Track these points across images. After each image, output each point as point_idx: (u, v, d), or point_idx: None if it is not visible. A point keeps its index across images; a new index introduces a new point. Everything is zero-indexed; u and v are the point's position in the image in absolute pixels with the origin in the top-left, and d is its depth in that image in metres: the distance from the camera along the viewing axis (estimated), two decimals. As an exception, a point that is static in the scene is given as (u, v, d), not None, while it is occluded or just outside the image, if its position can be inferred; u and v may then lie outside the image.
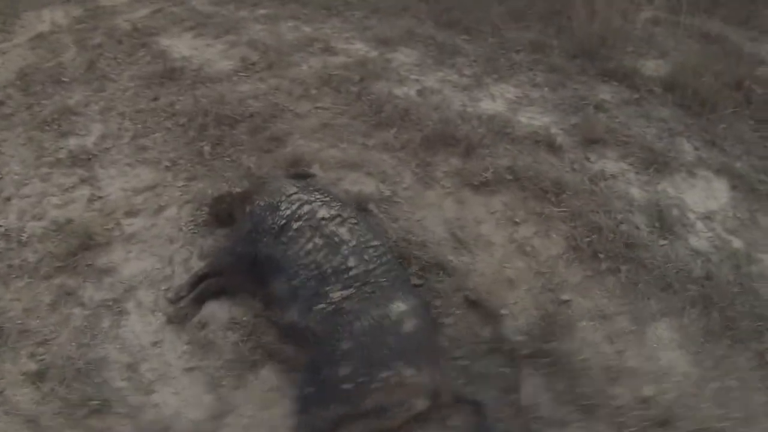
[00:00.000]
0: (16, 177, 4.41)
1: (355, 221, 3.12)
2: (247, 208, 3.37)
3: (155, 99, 4.99)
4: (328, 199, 3.25)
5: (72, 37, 6.54)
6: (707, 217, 3.60)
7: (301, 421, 2.58)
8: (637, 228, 3.48)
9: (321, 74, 5.01)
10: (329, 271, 2.88)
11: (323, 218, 3.09)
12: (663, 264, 3.28)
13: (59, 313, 3.37)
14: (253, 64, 5.33)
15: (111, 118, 4.85)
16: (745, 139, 4.15)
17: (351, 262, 2.88)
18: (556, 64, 4.99)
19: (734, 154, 4.01)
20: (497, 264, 3.34)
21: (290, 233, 3.08)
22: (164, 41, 5.89)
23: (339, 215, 3.12)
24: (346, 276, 2.84)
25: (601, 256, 3.31)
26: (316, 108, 4.65)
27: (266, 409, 2.85)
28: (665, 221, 3.52)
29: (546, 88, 4.71)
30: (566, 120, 4.34)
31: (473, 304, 3.15)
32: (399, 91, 4.74)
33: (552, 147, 4.03)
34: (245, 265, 3.23)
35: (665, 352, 2.97)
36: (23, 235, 3.88)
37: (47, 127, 4.90)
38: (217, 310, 3.29)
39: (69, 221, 3.88)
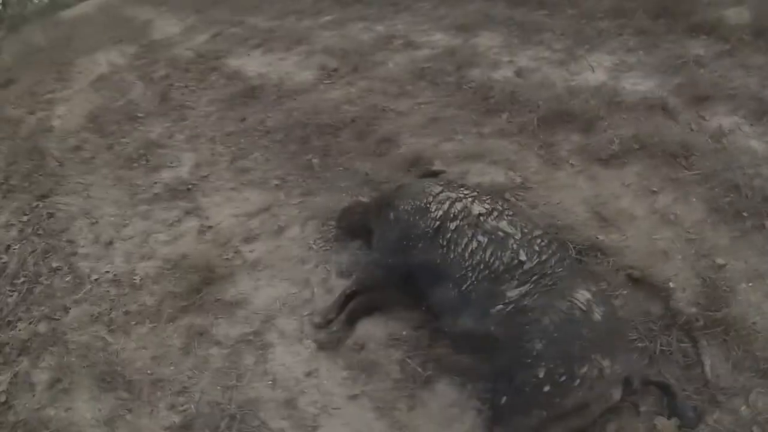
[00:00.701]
0: (113, 219, 4.41)
1: (512, 213, 2.98)
2: (390, 215, 3.19)
3: (243, 119, 5.09)
4: (476, 193, 3.10)
5: (135, 74, 6.65)
6: (829, 165, 3.73)
7: None
8: (759, 179, 3.60)
9: (412, 69, 5.13)
10: (501, 268, 2.71)
11: (480, 214, 2.92)
12: (805, 216, 3.43)
13: (194, 356, 3.27)
14: (335, 70, 5.43)
15: (201, 145, 4.92)
16: None
17: (522, 256, 2.72)
18: (642, 27, 5.08)
19: None
20: (647, 237, 3.46)
21: (448, 235, 2.90)
22: (233, 62, 6.00)
23: (494, 209, 2.95)
24: (520, 271, 2.68)
25: (745, 214, 3.43)
26: (418, 104, 4.78)
27: (448, 426, 2.75)
28: (788, 173, 3.65)
29: (641, 52, 4.81)
30: (669, 81, 4.45)
31: (637, 281, 3.19)
32: (497, 74, 4.88)
33: (666, 110, 4.16)
34: (398, 276, 3.10)
35: (828, 306, 3.07)
36: (135, 278, 3.85)
37: (134, 164, 4.98)
38: (372, 329, 3.18)
39: (183, 257, 3.85)
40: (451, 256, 2.86)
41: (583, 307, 2.52)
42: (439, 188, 3.17)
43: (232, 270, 3.72)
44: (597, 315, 2.52)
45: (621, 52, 4.90)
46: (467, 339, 2.76)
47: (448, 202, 3.05)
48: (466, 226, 2.91)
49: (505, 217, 2.94)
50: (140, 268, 3.94)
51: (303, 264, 3.67)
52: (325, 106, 4.90)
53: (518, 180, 3.92)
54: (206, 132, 5.10)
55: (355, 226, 3.63)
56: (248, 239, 3.92)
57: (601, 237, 3.48)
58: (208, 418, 2.93)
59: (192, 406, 3.01)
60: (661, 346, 2.90)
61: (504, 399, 2.47)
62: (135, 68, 6.83)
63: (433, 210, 3.04)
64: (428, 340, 3.08)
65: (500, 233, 2.84)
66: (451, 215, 2.98)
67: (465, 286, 2.78)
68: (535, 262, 2.72)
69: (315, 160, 4.44)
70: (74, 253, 4.29)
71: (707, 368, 2.79)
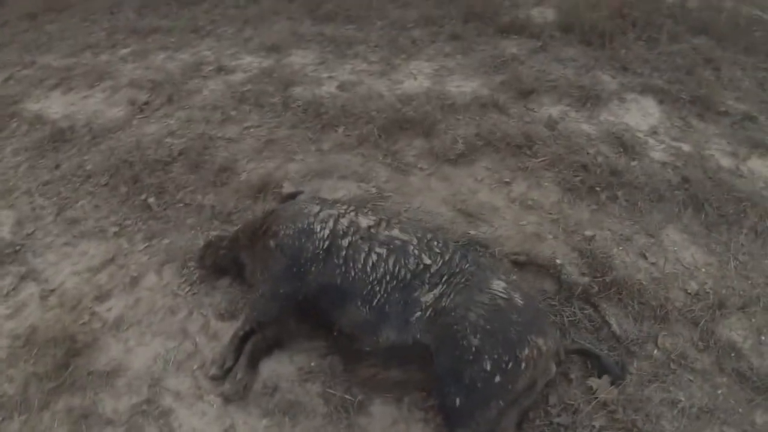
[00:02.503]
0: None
1: (397, 220, 2.98)
2: (271, 243, 2.94)
3: (57, 166, 4.43)
4: (354, 207, 3.02)
5: None
6: (654, 132, 4.07)
7: None
8: (607, 157, 3.84)
9: (231, 94, 4.80)
10: (408, 276, 2.66)
11: (370, 226, 2.85)
12: (646, 180, 3.66)
13: (87, 443, 2.76)
14: (147, 103, 4.94)
15: (17, 200, 4.21)
16: (646, 58, 4.71)
17: (426, 260, 2.69)
18: (454, 32, 5.25)
19: (645, 74, 4.55)
20: (514, 224, 3.48)
21: (343, 253, 2.77)
22: (33, 106, 5.21)
23: (381, 219, 2.92)
24: (428, 275, 2.65)
25: (597, 189, 3.62)
26: (247, 128, 4.46)
27: None
28: (626, 145, 3.92)
29: (458, 56, 4.95)
30: (492, 80, 4.61)
31: (524, 265, 3.23)
32: (321, 91, 4.70)
33: (498, 107, 4.28)
34: (294, 305, 2.86)
35: (683, 252, 3.34)
36: (-18, 365, 3.12)
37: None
38: (278, 367, 2.91)
39: (33, 330, 3.23)
40: (352, 273, 2.74)
41: (504, 295, 2.56)
42: (317, 207, 3.02)
43: (95, 335, 3.17)
44: (518, 300, 2.57)
45: (439, 57, 4.99)
46: (394, 353, 2.64)
47: (331, 220, 2.92)
48: (360, 240, 2.81)
49: (395, 225, 2.90)
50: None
51: (173, 314, 3.23)
52: (147, 142, 4.41)
53: (373, 191, 3.76)
54: (19, 185, 4.36)
55: (221, 262, 3.29)
56: (100, 297, 3.38)
57: (473, 232, 3.45)
58: None
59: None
60: (567, 317, 2.99)
61: (458, 400, 2.39)
62: None
63: (318, 230, 2.89)
64: (342, 365, 2.86)
65: (397, 241, 2.79)
66: (340, 232, 2.86)
67: (375, 301, 2.68)
68: (440, 264, 2.71)
69: (151, 200, 3.95)
70: None
71: (615, 326, 2.96)
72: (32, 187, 4.28)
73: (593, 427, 2.55)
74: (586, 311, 3.02)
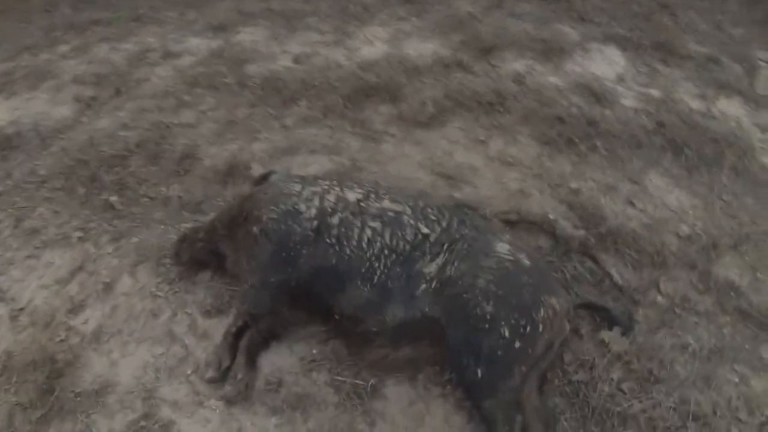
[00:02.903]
0: None
1: (385, 191, 2.77)
2: (254, 229, 2.68)
3: (9, 175, 4.02)
4: (336, 181, 2.83)
5: None
6: (621, 80, 4.02)
7: (495, 404, 2.27)
8: (581, 107, 3.77)
9: (182, 79, 4.49)
10: (408, 248, 2.50)
11: (358, 200, 2.64)
12: (623, 128, 3.61)
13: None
14: (94, 98, 4.56)
15: None
16: (602, 7, 4.66)
17: (424, 229, 2.53)
18: (404, -5, 5.05)
19: (604, 23, 4.50)
20: (497, 183, 3.37)
21: (334, 231, 2.57)
22: None
23: (369, 191, 2.70)
24: (428, 244, 2.51)
25: (576, 140, 3.54)
26: (203, 111, 4.18)
27: (421, 425, 2.48)
28: (597, 95, 3.86)
29: (413, 18, 4.79)
30: (452, 39, 4.47)
31: (515, 223, 3.12)
32: (275, 66, 4.47)
33: (462, 65, 4.15)
34: (287, 293, 2.65)
35: (668, 196, 3.32)
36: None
37: None
38: (279, 360, 2.70)
39: (8, 355, 2.90)
40: (347, 252, 2.55)
41: (510, 258, 2.45)
42: (298, 185, 2.78)
43: (74, 352, 2.84)
44: (525, 260, 2.47)
45: (393, 21, 4.82)
46: (403, 330, 2.48)
47: (316, 197, 2.69)
48: (351, 216, 2.61)
49: (384, 196, 2.71)
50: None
51: (155, 317, 2.94)
52: (100, 137, 4.05)
53: (347, 163, 3.59)
54: (-30, 199, 3.93)
55: (199, 256, 3.00)
56: (74, 309, 3.04)
57: (456, 194, 3.32)
58: None
59: None
60: (569, 273, 2.91)
61: (479, 371, 2.28)
62: None
63: (303, 210, 2.66)
64: (346, 349, 2.68)
65: (390, 213, 2.60)
66: (328, 209, 2.64)
67: (376, 278, 2.50)
68: (438, 231, 2.56)
69: (113, 198, 3.61)
70: None
71: (616, 277, 2.90)
72: (-16, 199, 3.89)
73: (612, 380, 2.50)
74: (586, 265, 2.94)
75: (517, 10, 4.71)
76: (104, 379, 2.72)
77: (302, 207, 2.66)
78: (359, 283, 2.51)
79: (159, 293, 3.03)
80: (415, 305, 2.44)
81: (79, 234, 3.44)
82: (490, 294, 2.32)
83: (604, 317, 2.68)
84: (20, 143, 4.25)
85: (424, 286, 2.44)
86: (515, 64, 4.15)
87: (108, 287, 3.10)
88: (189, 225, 3.30)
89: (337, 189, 2.73)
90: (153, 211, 3.50)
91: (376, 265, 2.50)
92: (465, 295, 2.35)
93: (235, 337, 2.70)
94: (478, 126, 3.71)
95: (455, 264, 2.44)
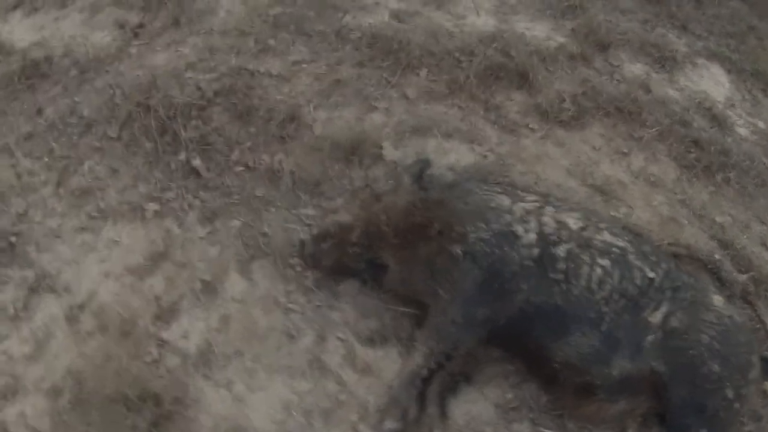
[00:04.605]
0: None
1: (597, 218, 2.57)
2: (457, 249, 2.31)
3: (39, 111, 3.21)
4: (544, 198, 2.56)
5: None
6: (731, 105, 4.04)
7: None
8: (705, 131, 3.75)
9: (260, 18, 3.80)
10: (636, 293, 2.34)
11: (582, 228, 2.41)
12: (749, 162, 3.64)
13: None
14: (141, 26, 3.78)
15: None
16: (698, 18, 4.57)
17: (649, 272, 2.37)
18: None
19: (704, 36, 4.44)
20: (647, 205, 3.28)
21: (561, 265, 2.32)
22: None
23: (587, 218, 2.48)
24: (653, 290, 2.36)
25: (714, 169, 3.53)
26: (297, 62, 3.60)
27: None
28: (716, 119, 3.85)
29: (517, -10, 4.41)
30: (563, 25, 4.21)
31: (680, 257, 2.89)
32: (375, 20, 3.93)
33: (585, 59, 3.93)
34: (491, 332, 2.39)
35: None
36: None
37: None
38: (471, 408, 2.37)
39: (78, 379, 2.19)
40: (575, 292, 2.33)
41: (727, 313, 2.41)
42: (506, 198, 2.47)
43: (178, 378, 2.24)
44: (736, 317, 2.44)
45: (494, -10, 4.40)
46: (626, 384, 2.36)
47: (533, 219, 2.40)
48: (577, 249, 2.36)
49: (603, 227, 2.48)
50: (9, 418, 2.13)
51: (293, 339, 2.41)
52: (161, 76, 3.26)
53: (490, 156, 3.28)
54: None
55: (352, 263, 2.54)
56: (163, 316, 2.41)
57: (614, 214, 3.16)
58: None
59: None
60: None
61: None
62: None
63: (521, 233, 2.36)
64: (544, 393, 2.46)
65: (615, 249, 2.40)
66: (550, 237, 2.37)
67: (605, 325, 2.33)
68: (661, 276, 2.41)
69: (196, 162, 2.93)
70: None
71: None
72: (9, 142, 3.06)
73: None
74: (746, 311, 2.85)
75: (620, 5, 4.50)
76: (232, 425, 2.18)
77: (519, 229, 2.37)
78: (588, 329, 2.33)
79: (293, 306, 2.53)
80: (642, 358, 2.33)
81: (154, 206, 2.80)
82: (714, 352, 2.29)
83: (765, 368, 2.61)
84: (52, 72, 3.45)
85: (650, 337, 2.34)
86: (633, 68, 4.03)
87: (210, 288, 2.56)
88: (310, 212, 2.84)
89: (551, 209, 2.47)
90: (254, 185, 2.95)
91: (605, 310, 2.33)
92: (691, 351, 2.31)
93: (423, 381, 2.36)
94: (617, 135, 3.58)
95: (678, 315, 2.36)
